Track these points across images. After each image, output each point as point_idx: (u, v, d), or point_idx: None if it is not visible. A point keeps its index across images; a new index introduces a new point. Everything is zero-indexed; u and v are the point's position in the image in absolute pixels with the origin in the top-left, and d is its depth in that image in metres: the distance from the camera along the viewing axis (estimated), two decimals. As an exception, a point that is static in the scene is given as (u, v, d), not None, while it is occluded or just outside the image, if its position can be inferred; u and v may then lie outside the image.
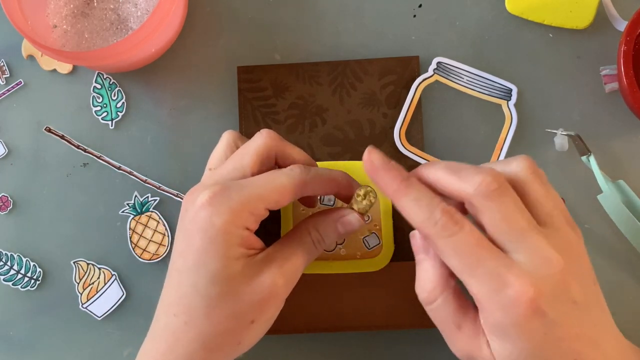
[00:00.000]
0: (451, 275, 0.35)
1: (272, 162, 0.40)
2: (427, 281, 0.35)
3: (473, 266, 0.32)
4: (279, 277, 0.37)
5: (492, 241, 0.32)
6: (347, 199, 0.41)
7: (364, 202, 0.40)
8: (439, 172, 0.34)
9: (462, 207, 0.35)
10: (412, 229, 0.48)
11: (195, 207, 0.36)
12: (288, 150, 0.40)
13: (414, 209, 0.33)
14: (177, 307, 0.36)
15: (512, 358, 0.32)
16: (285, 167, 0.39)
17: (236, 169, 0.38)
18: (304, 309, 0.48)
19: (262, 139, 0.39)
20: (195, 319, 0.36)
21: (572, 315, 0.32)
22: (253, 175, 0.38)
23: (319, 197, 0.48)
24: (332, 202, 0.49)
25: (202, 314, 0.36)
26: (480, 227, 0.33)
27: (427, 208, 0.33)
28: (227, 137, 0.42)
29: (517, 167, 0.34)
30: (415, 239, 0.37)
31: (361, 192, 0.40)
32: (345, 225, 0.40)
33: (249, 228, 0.37)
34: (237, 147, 0.41)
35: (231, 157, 0.39)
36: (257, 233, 0.40)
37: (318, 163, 0.49)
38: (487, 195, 0.32)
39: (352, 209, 0.40)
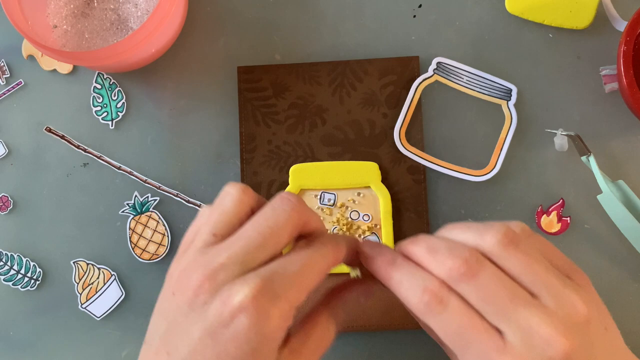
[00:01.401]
0: None
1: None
2: None
3: (462, 347, 0.30)
4: None
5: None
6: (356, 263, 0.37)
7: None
8: (418, 251, 0.32)
9: None
10: (411, 230, 0.49)
11: (231, 307, 0.28)
12: (312, 218, 0.34)
13: (402, 291, 0.32)
14: None
15: None
16: (305, 235, 0.34)
17: (265, 247, 0.31)
18: (304, 308, 0.48)
19: (292, 207, 0.32)
20: None
21: None
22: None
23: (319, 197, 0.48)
24: (331, 202, 0.49)
25: None
26: None
27: (412, 288, 0.31)
28: (236, 196, 0.33)
29: (491, 241, 0.31)
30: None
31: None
32: (369, 295, 0.37)
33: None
34: (251, 210, 0.33)
35: (253, 228, 0.31)
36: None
37: (318, 163, 0.50)
38: (459, 280, 0.30)
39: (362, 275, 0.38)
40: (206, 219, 0.33)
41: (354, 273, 0.38)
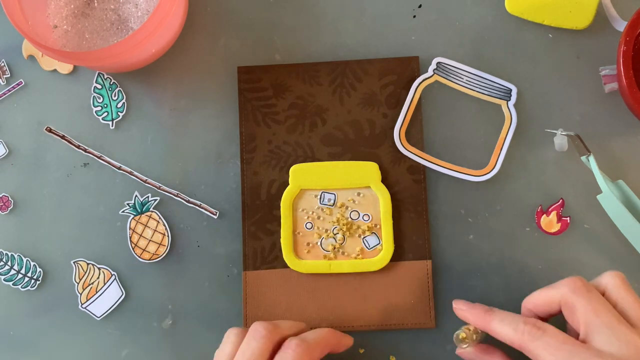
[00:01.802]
0: None
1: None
2: None
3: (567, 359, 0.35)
4: None
5: (584, 340, 0.37)
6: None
7: (474, 336, 0.43)
8: (532, 295, 0.41)
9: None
10: (411, 230, 0.49)
11: None
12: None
13: (502, 328, 0.39)
14: None
15: None
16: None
17: None
18: (304, 309, 0.48)
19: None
20: None
21: None
22: None
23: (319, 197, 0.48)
24: (331, 202, 0.49)
25: None
26: (574, 332, 0.39)
27: (511, 324, 0.39)
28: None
29: (609, 276, 0.39)
30: (464, 354, 0.43)
31: (464, 336, 0.43)
32: None
33: None
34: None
35: None
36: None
37: (318, 163, 0.50)
38: (575, 291, 0.38)
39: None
40: None
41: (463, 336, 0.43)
